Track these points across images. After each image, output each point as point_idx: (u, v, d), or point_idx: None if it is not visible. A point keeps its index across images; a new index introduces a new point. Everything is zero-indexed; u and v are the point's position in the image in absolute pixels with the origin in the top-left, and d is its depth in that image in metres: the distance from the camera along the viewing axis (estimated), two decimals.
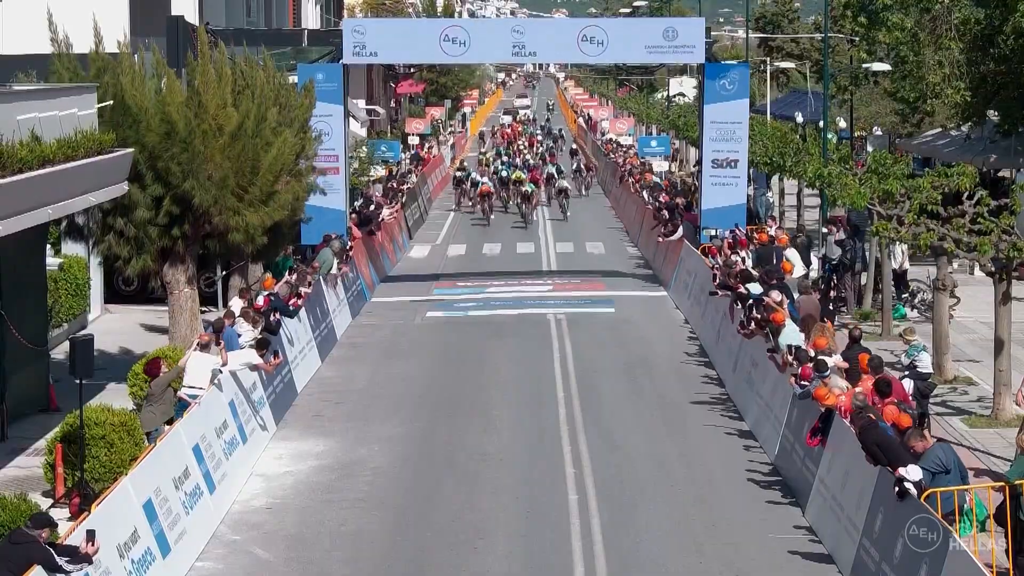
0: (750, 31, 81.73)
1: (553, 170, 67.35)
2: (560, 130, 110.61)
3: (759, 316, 27.45)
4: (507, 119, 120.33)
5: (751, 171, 51.62)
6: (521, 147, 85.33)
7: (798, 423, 23.59)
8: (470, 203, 65.05)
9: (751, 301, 28.94)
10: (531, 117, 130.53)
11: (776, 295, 28.43)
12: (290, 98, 33.45)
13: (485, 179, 64.92)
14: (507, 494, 23.15)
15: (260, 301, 28.73)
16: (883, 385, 20.81)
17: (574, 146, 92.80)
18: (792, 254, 36.18)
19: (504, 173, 65.72)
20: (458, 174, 69.41)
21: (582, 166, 75.86)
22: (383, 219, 47.92)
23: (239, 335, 26.31)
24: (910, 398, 22.71)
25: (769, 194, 55.76)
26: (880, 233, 29.14)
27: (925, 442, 18.42)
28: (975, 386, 29.56)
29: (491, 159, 74.46)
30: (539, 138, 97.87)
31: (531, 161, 74.31)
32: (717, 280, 33.12)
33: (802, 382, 22.62)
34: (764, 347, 26.97)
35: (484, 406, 28.97)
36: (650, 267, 47.39)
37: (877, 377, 21.42)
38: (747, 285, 29.49)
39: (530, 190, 61.11)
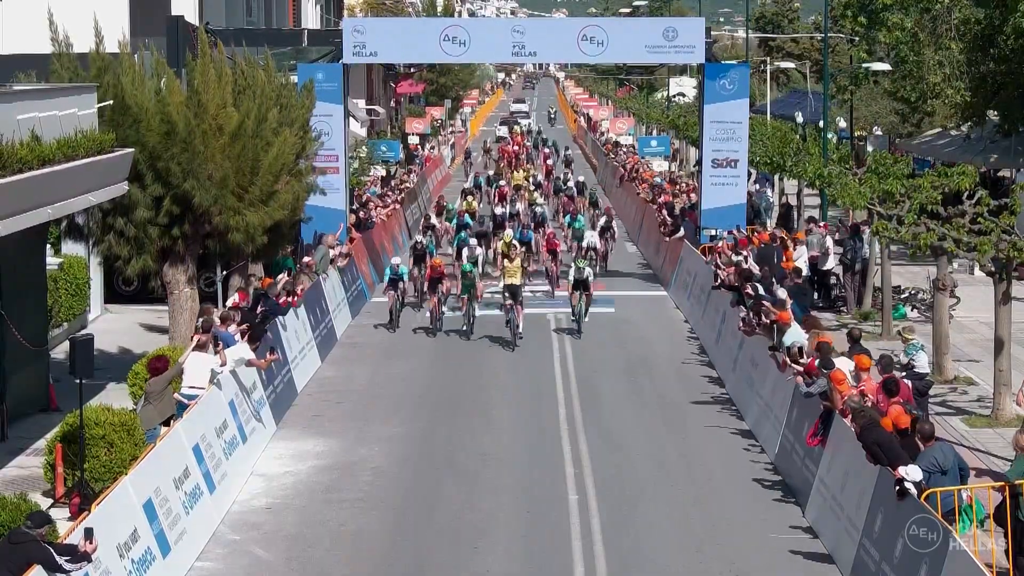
0: (750, 31, 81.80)
1: (595, 240, 43.84)
2: (568, 150, 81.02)
3: (769, 321, 27.37)
4: (503, 130, 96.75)
5: (758, 170, 51.69)
6: (524, 184, 58.14)
7: (798, 423, 23.59)
8: (414, 295, 39.88)
9: (752, 301, 28.93)
10: (530, 128, 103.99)
11: (781, 293, 28.49)
12: (290, 98, 33.46)
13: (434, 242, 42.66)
14: (507, 494, 23.15)
15: (236, 297, 28.69)
16: (891, 384, 20.78)
17: (581, 178, 61.44)
18: (803, 251, 36.44)
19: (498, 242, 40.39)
20: (419, 238, 43.03)
21: (611, 223, 48.40)
22: (376, 217, 47.88)
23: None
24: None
25: (770, 193, 55.79)
26: (880, 233, 29.15)
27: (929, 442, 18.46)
28: (975, 386, 29.56)
29: (469, 202, 50.20)
30: (550, 163, 73.11)
31: (540, 209, 49.69)
32: (719, 280, 33.17)
33: (809, 380, 22.54)
34: (764, 347, 26.98)
35: (484, 406, 28.97)
36: (650, 267, 47.40)
37: (885, 376, 21.41)
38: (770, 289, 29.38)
39: (518, 283, 35.21)
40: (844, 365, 22.55)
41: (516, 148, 77.49)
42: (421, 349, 34.82)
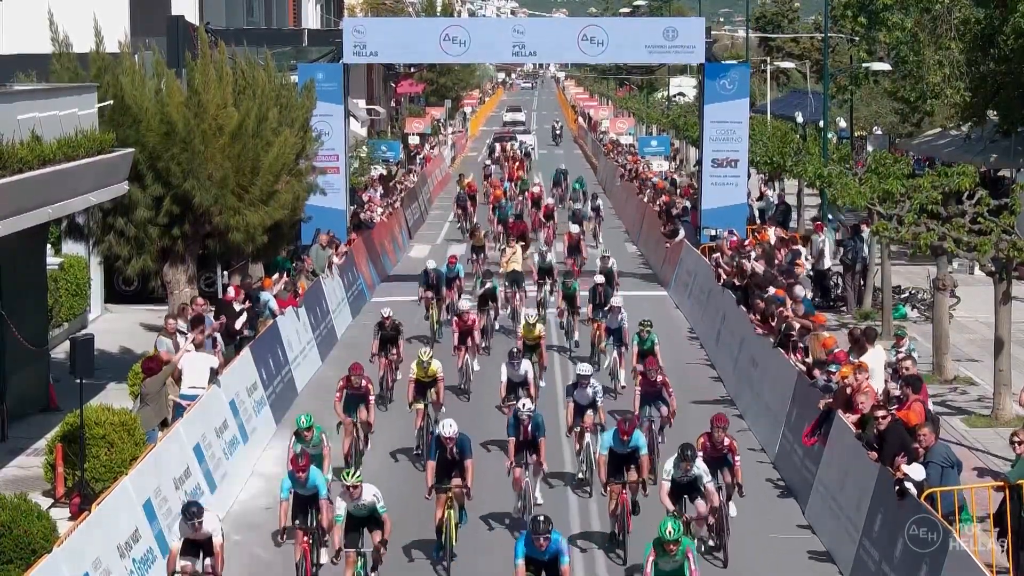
0: (750, 31, 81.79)
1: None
2: (597, 200, 54.20)
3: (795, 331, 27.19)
4: (499, 151, 76.48)
5: (773, 195, 51.63)
6: (521, 264, 36.17)
7: (798, 423, 23.59)
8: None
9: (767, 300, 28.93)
10: (529, 148, 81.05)
11: (799, 291, 28.61)
12: (290, 98, 33.47)
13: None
14: (507, 494, 23.12)
15: (231, 292, 28.63)
16: (914, 381, 20.77)
17: (608, 259, 36.22)
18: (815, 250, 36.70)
19: None
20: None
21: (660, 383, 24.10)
22: (374, 218, 47.90)
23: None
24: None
25: (771, 193, 55.80)
26: (880, 233, 29.15)
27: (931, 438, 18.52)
28: (975, 386, 29.55)
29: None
30: (573, 229, 42.05)
31: (593, 390, 22.94)
32: (722, 279, 33.17)
33: (826, 378, 22.52)
34: (764, 347, 26.95)
35: (484, 403, 28.92)
36: (650, 267, 47.39)
37: (908, 374, 21.44)
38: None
39: None
40: (869, 358, 22.67)
41: (506, 183, 53.19)
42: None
